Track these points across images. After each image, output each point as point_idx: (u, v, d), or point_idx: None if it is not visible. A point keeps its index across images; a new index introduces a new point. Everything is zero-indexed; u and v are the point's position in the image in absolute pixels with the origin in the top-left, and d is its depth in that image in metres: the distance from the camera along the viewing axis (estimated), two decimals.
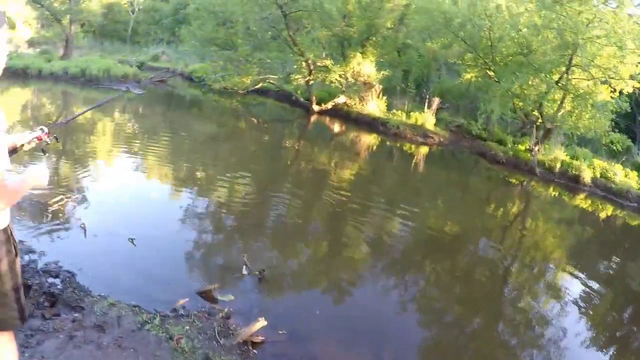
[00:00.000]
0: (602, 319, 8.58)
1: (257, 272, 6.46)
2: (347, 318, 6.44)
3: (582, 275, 9.67)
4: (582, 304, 8.63)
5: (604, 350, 7.73)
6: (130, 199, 9.13)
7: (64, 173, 10.71)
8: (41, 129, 3.23)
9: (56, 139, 3.42)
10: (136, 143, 14.74)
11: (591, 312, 8.49)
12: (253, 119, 21.33)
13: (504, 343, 7.08)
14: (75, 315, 4.92)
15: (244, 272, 6.49)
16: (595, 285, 9.54)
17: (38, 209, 8.09)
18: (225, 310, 5.42)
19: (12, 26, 44.25)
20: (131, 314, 4.98)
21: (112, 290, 5.55)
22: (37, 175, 2.87)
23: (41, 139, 3.26)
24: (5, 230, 2.84)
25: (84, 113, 2.75)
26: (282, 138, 18.26)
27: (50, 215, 7.74)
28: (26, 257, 6.25)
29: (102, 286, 5.66)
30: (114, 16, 46.60)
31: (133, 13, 45.96)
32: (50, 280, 5.66)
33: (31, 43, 40.53)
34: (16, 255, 2.94)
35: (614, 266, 11.94)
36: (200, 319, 5.17)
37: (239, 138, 17.79)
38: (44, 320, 4.81)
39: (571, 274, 9.73)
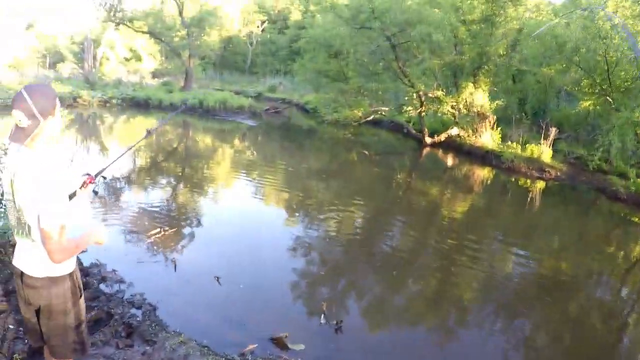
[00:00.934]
0: None
1: (334, 323, 6.34)
2: None
3: None
4: None
5: None
6: (228, 234, 9.59)
7: (169, 203, 11.50)
8: (87, 174, 3.52)
9: (103, 177, 3.71)
10: (248, 173, 15.65)
11: None
12: (364, 151, 21.53)
13: None
14: (147, 348, 5.21)
15: (322, 321, 6.41)
16: None
17: (136, 240, 8.79)
18: None
19: (139, 59, 47.25)
20: (199, 354, 5.12)
21: (187, 327, 5.82)
22: (97, 234, 3.33)
23: (87, 184, 3.44)
24: (71, 274, 3.25)
25: (122, 155, 2.93)
26: (393, 171, 18.32)
27: (146, 247, 8.36)
28: (115, 287, 6.79)
29: (179, 322, 5.95)
30: (233, 48, 48.76)
31: (251, 45, 47.88)
32: (132, 311, 6.06)
33: (155, 74, 43.14)
34: (80, 296, 3.34)
35: None
36: None
37: (349, 170, 18.14)
38: (117, 349, 5.16)
39: None
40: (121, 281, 6.95)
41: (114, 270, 7.21)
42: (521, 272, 9.67)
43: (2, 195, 2.98)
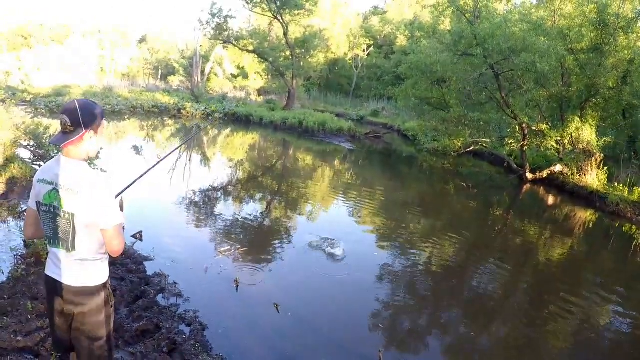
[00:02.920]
0: None
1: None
2: None
3: None
4: None
5: None
6: (306, 259, 9.42)
7: (251, 220, 11.67)
8: None
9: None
10: (344, 195, 15.68)
11: None
12: (463, 183, 21.16)
13: None
14: None
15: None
16: None
17: (205, 254, 8.96)
18: None
19: (246, 76, 48.72)
20: None
21: (232, 355, 5.75)
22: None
23: None
24: (105, 284, 3.46)
25: (131, 185, 3.02)
26: (491, 206, 17.89)
27: (213, 263, 8.46)
28: (172, 300, 6.91)
29: (225, 347, 5.90)
30: (338, 71, 49.37)
31: (356, 69, 48.29)
32: (181, 327, 6.11)
33: (260, 92, 44.41)
34: (111, 306, 3.54)
35: None
36: None
37: (445, 201, 17.97)
38: None
39: None
40: (179, 295, 7.10)
41: (175, 283, 7.42)
42: (617, 329, 9.00)
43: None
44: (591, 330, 8.62)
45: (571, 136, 19.67)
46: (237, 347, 6.08)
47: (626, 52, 19.83)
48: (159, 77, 49.14)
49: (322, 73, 45.72)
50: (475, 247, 12.54)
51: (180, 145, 20.15)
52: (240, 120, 30.85)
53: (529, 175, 20.45)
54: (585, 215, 17.12)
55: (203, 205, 12.67)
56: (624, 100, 20.25)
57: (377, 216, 13.90)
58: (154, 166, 3.98)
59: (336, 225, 12.26)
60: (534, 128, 20.56)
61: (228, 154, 21.94)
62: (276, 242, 10.34)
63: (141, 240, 9.17)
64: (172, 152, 4.88)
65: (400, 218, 14.08)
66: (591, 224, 16.51)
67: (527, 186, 20.28)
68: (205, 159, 19.57)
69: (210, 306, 6.96)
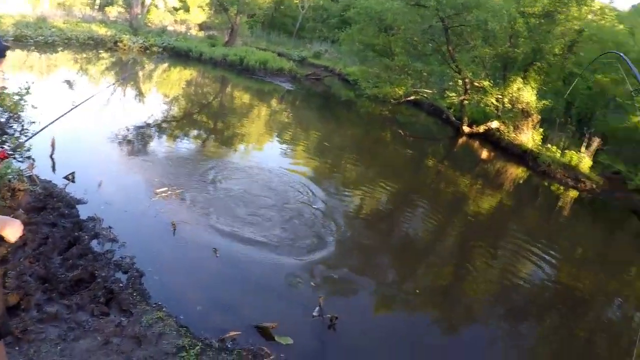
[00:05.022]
0: None
1: (329, 317, 5.85)
2: None
3: None
4: None
5: None
6: (242, 201, 8.98)
7: (188, 160, 11.10)
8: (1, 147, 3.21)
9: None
10: (280, 136, 15.28)
11: None
12: (400, 130, 21.07)
13: None
14: (122, 319, 4.91)
15: (315, 313, 5.93)
16: None
17: (141, 196, 8.38)
18: (273, 357, 4.94)
19: (187, 10, 46.95)
20: (175, 334, 4.83)
21: (170, 302, 5.47)
22: (9, 227, 2.69)
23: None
24: None
25: (56, 120, 2.65)
26: (426, 155, 17.94)
27: (149, 206, 7.94)
28: (107, 245, 6.42)
29: (163, 294, 5.61)
30: (284, 10, 48.16)
31: (303, 9, 47.16)
32: (118, 275, 5.73)
33: (202, 27, 42.84)
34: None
35: None
36: (243, 359, 4.81)
37: (381, 148, 17.84)
38: (92, 316, 4.87)
39: None
40: (114, 240, 6.58)
41: (109, 228, 6.83)
42: (537, 279, 9.32)
43: None
44: (513, 279, 8.83)
45: (512, 95, 19.76)
46: (175, 293, 5.81)
47: (576, 22, 20.03)
48: (97, 7, 46.60)
49: (267, 11, 44.40)
50: (407, 194, 12.51)
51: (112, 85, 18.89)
52: (179, 55, 29.54)
53: (466, 129, 20.51)
54: (516, 172, 17.36)
55: (138, 144, 11.78)
56: (567, 68, 20.53)
57: (311, 159, 13.53)
58: (73, 108, 3.43)
59: (271, 166, 11.67)
60: (477, 84, 20.55)
61: (164, 90, 20.92)
62: (213, 183, 9.72)
63: (73, 181, 8.30)
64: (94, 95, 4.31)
65: (335, 162, 13.81)
66: (521, 181, 16.78)
67: (463, 139, 20.35)
68: (141, 95, 18.51)
69: (147, 251, 6.53)
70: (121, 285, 5.48)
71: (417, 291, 7.53)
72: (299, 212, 9.03)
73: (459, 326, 7.09)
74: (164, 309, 5.21)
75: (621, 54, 6.78)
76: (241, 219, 8.17)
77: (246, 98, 22.72)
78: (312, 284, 6.74)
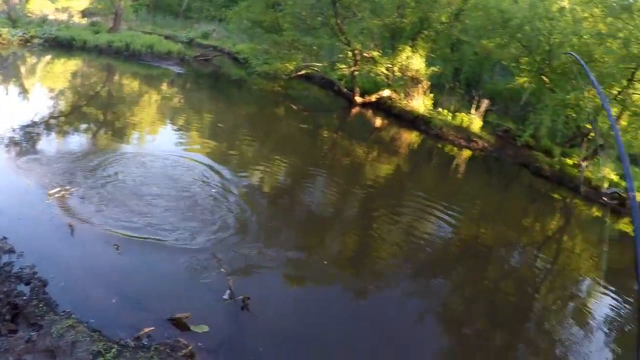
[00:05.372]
0: (629, 343, 8.17)
1: (240, 299, 5.71)
2: (357, 337, 5.87)
3: (614, 300, 9.32)
4: (610, 329, 8.37)
5: None
6: (138, 193, 8.28)
7: (79, 155, 10.08)
8: None
9: None
10: (172, 122, 14.61)
11: (619, 338, 8.17)
12: (293, 105, 20.70)
13: None
14: (32, 334, 4.52)
15: (225, 297, 5.73)
16: (627, 310, 9.21)
17: (33, 200, 7.54)
18: (191, 347, 4.73)
19: None
20: (88, 340, 4.46)
21: (79, 307, 5.07)
22: None
23: None
24: None
25: None
26: (320, 128, 17.65)
27: (43, 209, 7.17)
28: (4, 258, 5.79)
29: (70, 300, 5.18)
30: None
31: None
32: (20, 287, 5.22)
33: (85, 13, 40.76)
34: None
35: None
36: (161, 353, 4.57)
37: (275, 124, 17.35)
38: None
39: (603, 297, 9.39)
40: (11, 251, 5.91)
41: (4, 239, 6.10)
42: (440, 236, 9.60)
43: None
44: (417, 240, 9.02)
45: (401, 64, 19.84)
46: (82, 297, 5.37)
47: None
48: None
49: None
50: (306, 168, 12.26)
51: None
52: (62, 45, 27.78)
53: (358, 99, 20.44)
54: (410, 137, 17.47)
55: (25, 145, 10.47)
56: (454, 35, 20.88)
57: (206, 142, 12.82)
58: None
59: (166, 154, 10.90)
60: (366, 55, 20.47)
61: (48, 84, 19.30)
62: (108, 177, 8.88)
63: None
64: None
65: (231, 143, 13.19)
66: (416, 145, 16.94)
67: (355, 109, 20.26)
68: (23, 92, 17.03)
69: (47, 258, 5.91)
70: (25, 297, 5.01)
71: (325, 262, 7.44)
72: (198, 197, 8.50)
73: (370, 291, 7.08)
74: (73, 316, 4.82)
75: (576, 56, 6.86)
76: (140, 211, 7.55)
77: (135, 85, 21.59)
78: (220, 268, 6.39)
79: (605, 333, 8.16)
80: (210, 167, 10.10)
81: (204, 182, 9.24)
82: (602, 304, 9.15)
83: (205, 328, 5.12)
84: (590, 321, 8.29)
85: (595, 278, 10.67)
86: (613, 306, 9.03)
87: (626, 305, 9.28)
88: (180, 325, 5.10)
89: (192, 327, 5.08)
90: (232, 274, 6.19)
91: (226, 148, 12.53)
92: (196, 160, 10.51)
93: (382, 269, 7.70)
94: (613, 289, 10.09)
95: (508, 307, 7.91)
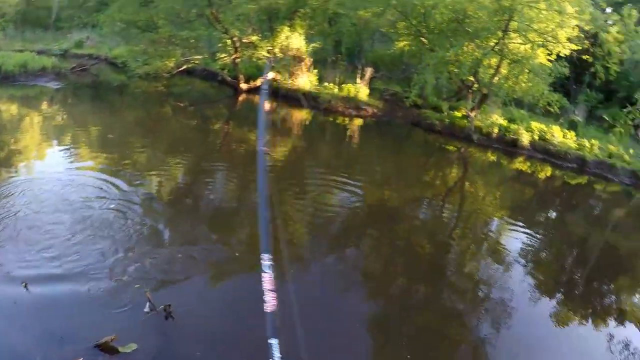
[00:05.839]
0: (547, 269, 8.89)
1: (162, 309, 5.46)
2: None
3: (524, 233, 9.89)
4: (526, 260, 8.93)
5: (552, 298, 7.95)
6: (33, 226, 7.36)
7: None
8: None
9: None
10: (59, 141, 13.62)
11: (536, 266, 8.82)
12: (179, 102, 20.07)
13: (451, 310, 6.98)
14: None
15: (146, 310, 5.46)
16: (537, 240, 9.92)
17: None
18: None
19: None
20: None
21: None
22: None
23: None
24: None
25: None
26: (210, 120, 17.27)
27: None
28: None
29: None
30: (36, 2, 44.19)
31: None
32: None
33: None
34: None
35: (554, 221, 12.56)
36: None
37: (164, 125, 16.73)
38: None
39: (513, 232, 9.93)
40: None
41: None
42: (348, 206, 9.70)
43: None
44: (325, 212, 9.22)
45: (282, 45, 19.64)
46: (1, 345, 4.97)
47: None
48: None
49: (18, 7, 40.67)
50: (202, 163, 11.96)
51: None
52: None
53: (244, 86, 20.08)
54: (301, 115, 17.39)
55: None
56: (330, 9, 20.80)
57: (97, 156, 11.79)
58: None
59: (58, 174, 10.04)
60: (245, 40, 20.12)
61: None
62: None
63: None
64: None
65: (123, 152, 12.24)
66: (307, 122, 16.90)
67: (242, 96, 19.88)
68: None
69: None
70: None
71: (237, 254, 7.27)
72: (99, 215, 7.86)
73: (290, 274, 6.77)
74: None
75: None
76: (41, 245, 6.79)
77: (13, 110, 20.20)
78: (135, 284, 6.04)
79: (523, 265, 8.68)
80: (106, 181, 9.41)
81: (102, 198, 8.59)
82: (514, 239, 9.70)
83: (134, 346, 4.93)
84: (506, 257, 8.73)
85: (502, 217, 11.10)
86: (524, 239, 9.65)
87: (536, 235, 9.82)
88: (108, 349, 4.87)
89: (120, 349, 4.87)
90: (149, 286, 5.88)
91: (119, 158, 11.71)
92: (90, 177, 9.78)
93: (298, 250, 7.58)
94: (521, 223, 10.53)
95: (426, 261, 8.11)
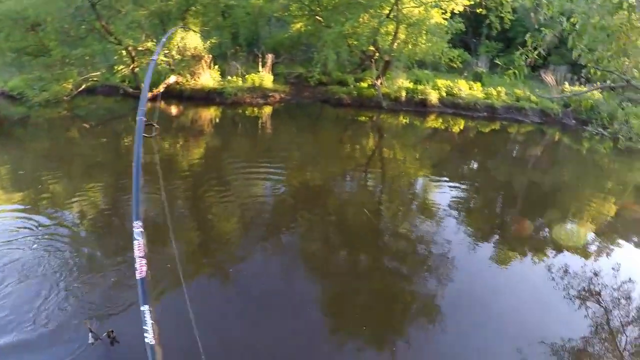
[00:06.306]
0: (479, 216, 9.29)
1: (105, 335, 5.30)
2: (230, 324, 5.74)
3: (450, 186, 10.37)
4: (458, 211, 9.26)
5: (489, 242, 8.35)
6: None
7: None
8: None
9: None
10: None
11: (468, 215, 9.19)
12: (85, 124, 19.42)
13: (396, 274, 7.16)
14: None
15: (90, 341, 5.25)
16: (464, 190, 10.36)
17: None
18: None
19: None
20: None
21: None
22: None
23: None
24: None
25: None
26: (120, 136, 16.76)
27: None
28: None
29: None
30: None
31: None
32: None
33: None
34: None
35: (477, 169, 13.07)
36: None
37: (74, 149, 16.01)
38: None
39: (440, 188, 10.33)
40: None
41: None
42: (273, 193, 9.79)
43: None
44: (251, 203, 9.21)
45: (178, 46, 19.23)
46: None
47: None
48: None
49: None
50: (118, 181, 11.39)
51: None
52: None
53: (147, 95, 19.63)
54: (209, 113, 17.21)
55: None
56: (221, 2, 20.53)
57: (12, 196, 10.85)
58: None
59: None
60: (141, 48, 19.62)
61: None
62: None
63: None
64: None
65: (37, 187, 11.35)
66: (218, 119, 16.76)
67: (147, 105, 19.40)
68: None
69: None
70: None
71: (169, 265, 6.88)
72: (24, 257, 7.42)
73: (230, 274, 6.89)
74: None
75: None
76: None
77: None
78: (73, 318, 5.82)
79: (455, 216, 9.05)
80: (26, 219, 8.95)
81: (25, 238, 8.12)
82: (442, 194, 9.94)
83: None
84: (438, 212, 9.09)
85: (426, 175, 11.26)
86: (451, 192, 10.14)
87: (462, 186, 10.07)
88: None
89: None
90: (88, 316, 5.72)
91: (35, 194, 11.00)
92: (9, 219, 9.23)
93: (232, 248, 7.60)
94: (445, 178, 10.73)
95: (361, 230, 8.22)
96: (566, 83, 20.06)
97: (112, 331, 5.31)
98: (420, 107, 16.92)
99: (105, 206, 10.04)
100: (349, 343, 5.78)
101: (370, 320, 6.03)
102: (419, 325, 6.21)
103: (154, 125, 3.96)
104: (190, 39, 19.13)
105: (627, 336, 6.57)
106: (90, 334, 5.28)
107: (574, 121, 19.23)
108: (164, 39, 6.79)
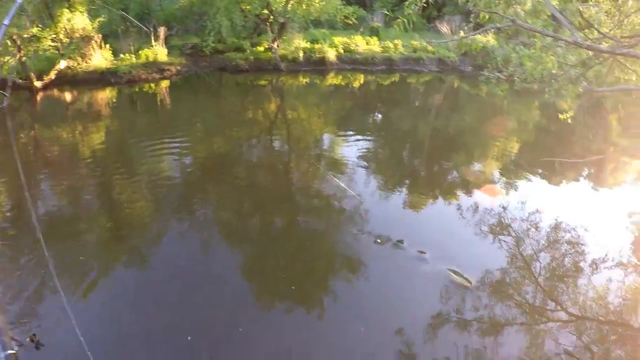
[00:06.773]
0: (388, 166, 9.46)
1: (28, 340, 5.08)
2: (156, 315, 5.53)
3: (357, 140, 10.59)
4: (367, 163, 9.40)
5: (401, 189, 8.65)
6: None
7: None
8: None
9: None
10: None
11: (378, 166, 9.34)
12: None
13: (312, 230, 7.28)
14: None
15: (14, 350, 4.91)
16: (372, 142, 10.58)
17: None
18: None
19: None
20: None
21: None
22: None
23: None
24: None
25: None
26: (10, 133, 15.83)
27: None
28: None
29: None
30: None
31: None
32: None
33: None
34: None
35: (381, 121, 13.35)
36: None
37: None
38: None
39: (347, 142, 10.51)
40: None
41: None
42: (181, 169, 9.58)
43: None
44: (160, 179, 9.04)
45: (65, 29, 18.38)
46: None
47: None
48: None
49: None
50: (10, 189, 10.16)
51: None
52: None
53: (38, 84, 18.56)
54: (106, 95, 16.67)
55: None
56: None
57: None
58: None
59: None
60: (26, 35, 18.62)
61: None
62: None
63: None
64: None
65: None
66: (115, 100, 16.27)
67: (40, 95, 18.37)
68: None
69: None
70: None
71: (82, 258, 6.61)
72: None
73: (139, 251, 6.80)
74: None
75: None
76: None
77: None
78: None
79: (365, 167, 9.27)
80: None
81: None
82: (350, 147, 10.00)
83: None
84: (348, 166, 9.26)
85: (332, 132, 11.26)
86: (359, 145, 10.65)
87: (369, 138, 10.25)
88: None
89: None
90: (8, 326, 5.28)
91: None
92: None
93: (146, 230, 7.39)
94: (351, 132, 10.79)
95: (272, 194, 8.38)
96: (461, 32, 20.51)
97: (35, 335, 5.13)
98: (319, 65, 17.04)
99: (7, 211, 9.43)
100: (276, 305, 5.80)
101: (296, 280, 6.09)
102: (343, 278, 6.32)
103: (5, 95, 3.66)
104: (78, 20, 18.33)
105: (540, 262, 6.84)
106: (12, 343, 5.02)
107: (470, 67, 19.87)
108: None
